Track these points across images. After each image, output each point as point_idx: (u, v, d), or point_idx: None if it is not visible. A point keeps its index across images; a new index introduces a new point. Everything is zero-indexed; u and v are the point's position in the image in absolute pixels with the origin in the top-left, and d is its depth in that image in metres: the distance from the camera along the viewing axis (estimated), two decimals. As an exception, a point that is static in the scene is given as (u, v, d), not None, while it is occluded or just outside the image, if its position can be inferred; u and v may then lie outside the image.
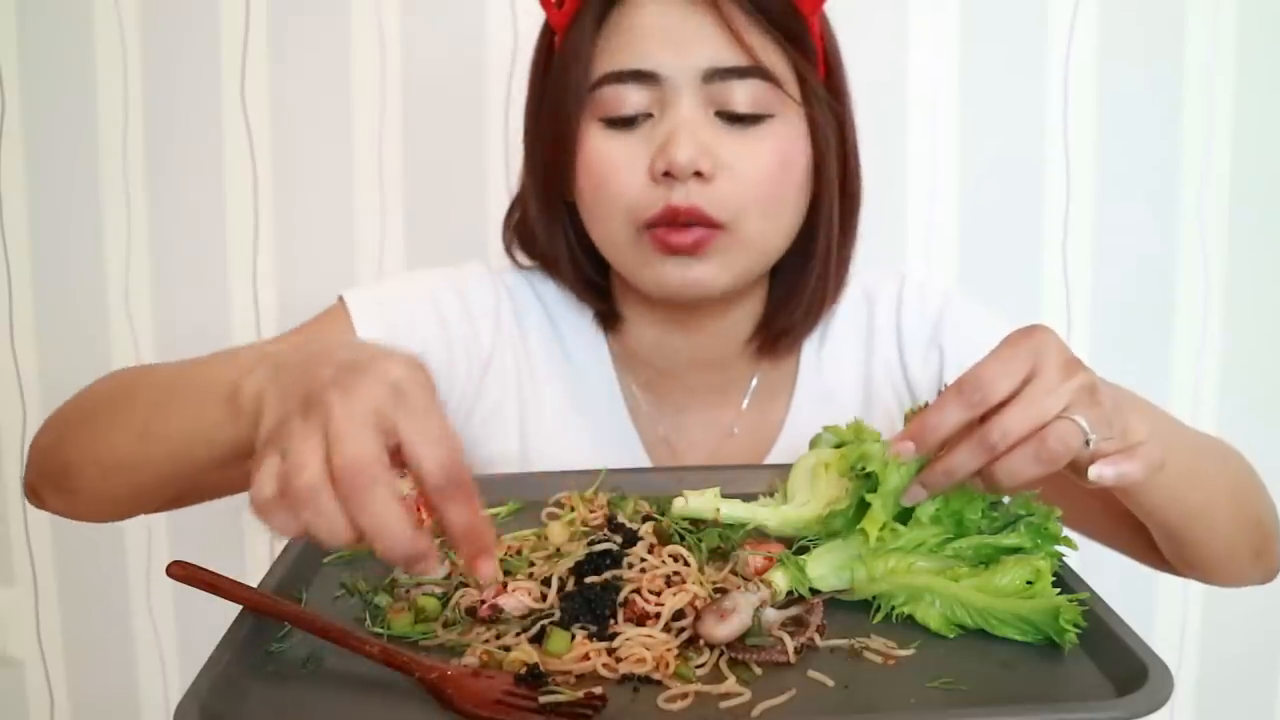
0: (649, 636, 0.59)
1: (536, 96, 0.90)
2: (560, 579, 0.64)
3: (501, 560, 0.68)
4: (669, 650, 0.58)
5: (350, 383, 0.53)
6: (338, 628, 0.60)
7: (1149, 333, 1.36)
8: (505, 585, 0.64)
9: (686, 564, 0.66)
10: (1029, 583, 0.61)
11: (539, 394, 0.94)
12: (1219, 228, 1.34)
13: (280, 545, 0.73)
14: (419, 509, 0.77)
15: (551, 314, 0.96)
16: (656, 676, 0.56)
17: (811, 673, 0.57)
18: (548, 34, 0.89)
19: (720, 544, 0.70)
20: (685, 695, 0.55)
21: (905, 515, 0.65)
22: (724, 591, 0.63)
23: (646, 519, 0.73)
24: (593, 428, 0.94)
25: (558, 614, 0.61)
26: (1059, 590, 0.60)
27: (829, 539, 0.67)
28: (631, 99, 0.83)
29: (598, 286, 0.93)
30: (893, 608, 0.63)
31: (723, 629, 0.58)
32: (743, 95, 0.82)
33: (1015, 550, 0.63)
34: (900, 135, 1.33)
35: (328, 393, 0.52)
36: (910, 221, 1.35)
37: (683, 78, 0.82)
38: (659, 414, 0.96)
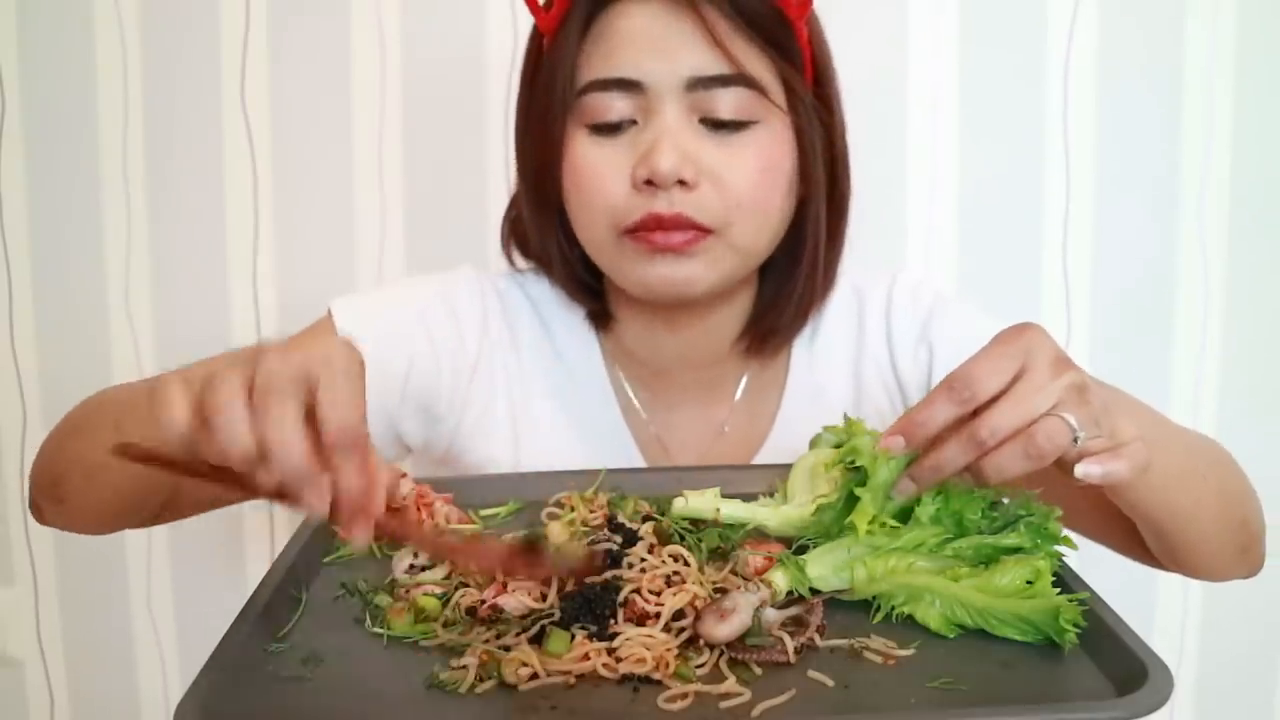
0: (649, 636, 0.59)
1: (526, 101, 0.91)
2: (560, 579, 0.64)
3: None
4: (669, 650, 0.58)
5: (282, 351, 0.55)
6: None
7: (1149, 333, 1.36)
8: (505, 585, 0.64)
9: (686, 564, 0.66)
10: (1029, 583, 0.61)
11: (530, 395, 0.95)
12: (1219, 228, 1.34)
13: (278, 547, 0.73)
14: (419, 509, 0.77)
15: (543, 315, 0.97)
16: (656, 676, 0.56)
17: (811, 673, 0.57)
18: (537, 37, 0.89)
19: (720, 544, 0.70)
20: (685, 695, 0.55)
21: (905, 514, 0.65)
22: (724, 591, 0.63)
23: (646, 519, 0.73)
24: (585, 426, 0.94)
25: (558, 614, 0.61)
26: (1059, 590, 0.60)
27: (828, 539, 0.67)
28: (616, 106, 0.83)
29: (590, 286, 0.94)
30: (893, 608, 0.63)
31: (723, 629, 0.58)
32: (726, 103, 0.82)
33: (1015, 550, 0.63)
34: (900, 135, 1.33)
35: (260, 354, 0.55)
36: (910, 221, 1.35)
37: (666, 86, 0.82)
38: (651, 412, 0.96)
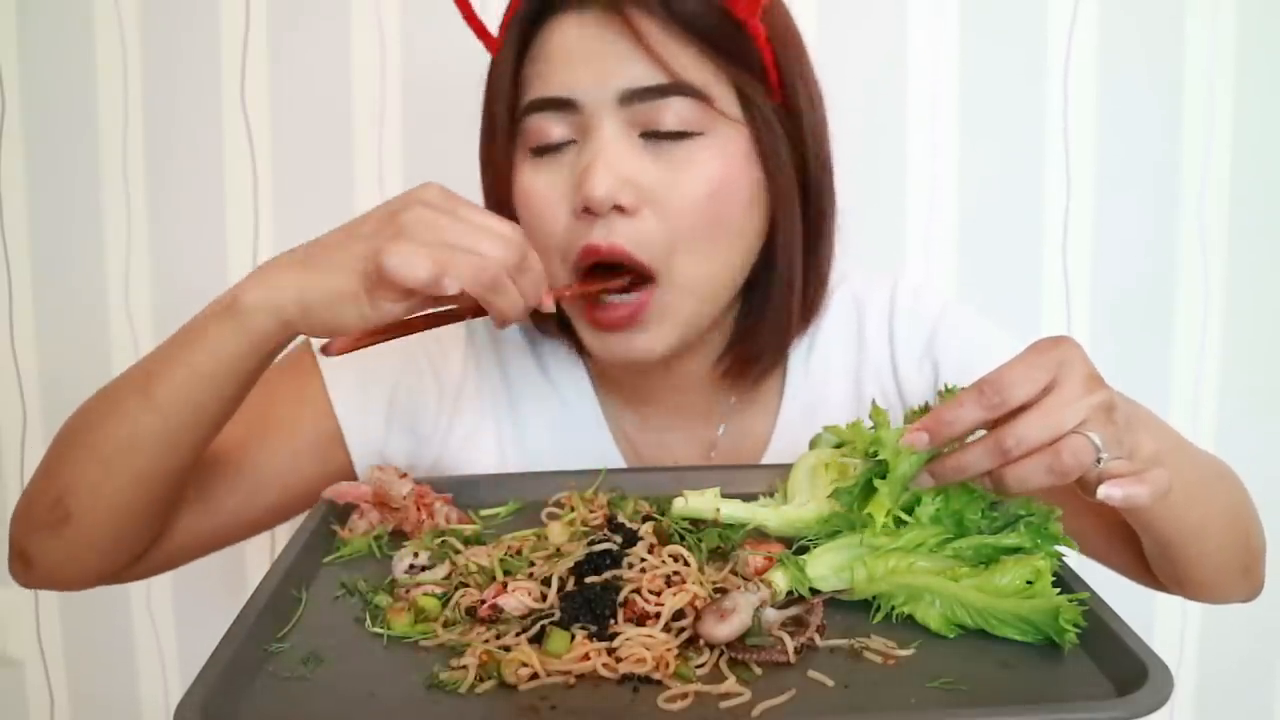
0: (649, 636, 0.59)
1: (481, 127, 0.87)
2: (560, 579, 0.64)
3: (501, 560, 0.68)
4: (669, 650, 0.58)
5: (428, 192, 0.69)
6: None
7: (1149, 333, 1.36)
8: (505, 585, 0.64)
9: (686, 564, 0.66)
10: (1029, 583, 0.61)
11: (518, 416, 0.93)
12: (1219, 228, 1.34)
13: (279, 547, 0.73)
14: (419, 509, 0.77)
15: (531, 337, 0.94)
16: (656, 676, 0.56)
17: (811, 673, 0.57)
18: (493, 63, 0.86)
19: (720, 544, 0.70)
20: (685, 695, 0.54)
21: (908, 511, 0.65)
22: (724, 591, 0.62)
23: (646, 519, 0.73)
24: (575, 449, 0.92)
25: (558, 614, 0.61)
26: (1059, 590, 0.60)
27: (829, 538, 0.67)
28: (553, 128, 0.80)
29: (566, 321, 0.87)
30: (893, 608, 0.63)
31: (723, 629, 0.58)
32: (667, 115, 0.77)
33: (1015, 550, 0.63)
34: (900, 135, 1.33)
35: (411, 204, 0.69)
36: (909, 223, 1.35)
37: (600, 102, 0.78)
38: (642, 434, 0.94)
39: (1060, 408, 0.60)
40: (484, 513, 0.81)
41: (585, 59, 0.78)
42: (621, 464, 0.93)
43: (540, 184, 0.81)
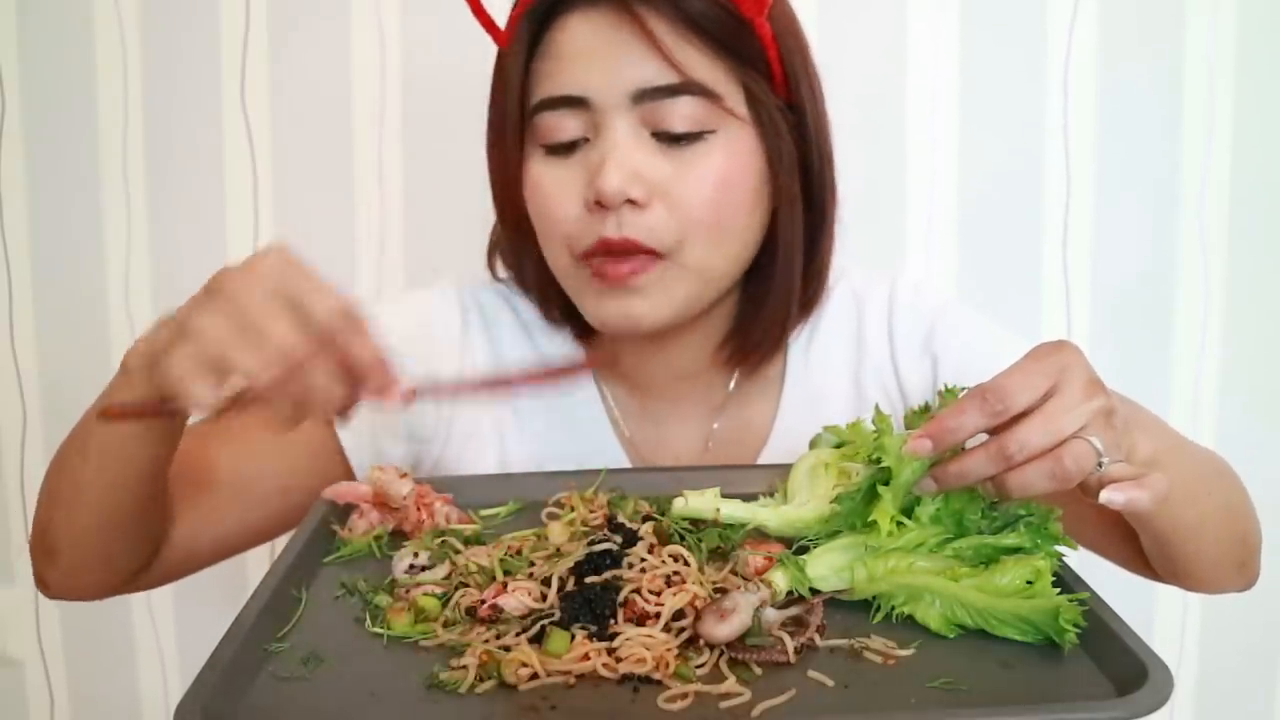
0: (649, 636, 0.59)
1: (490, 121, 0.88)
2: (560, 579, 0.64)
3: (501, 560, 0.68)
4: (669, 650, 0.58)
5: (236, 278, 0.59)
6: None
7: (1149, 333, 1.36)
8: (505, 585, 0.64)
9: (686, 564, 0.66)
10: (1029, 583, 0.61)
11: (518, 408, 0.93)
12: (1219, 228, 1.34)
13: (279, 547, 0.73)
14: (419, 509, 0.77)
15: (528, 327, 0.95)
16: (656, 676, 0.56)
17: (811, 673, 0.57)
18: (500, 56, 0.87)
19: (720, 544, 0.70)
20: (685, 695, 0.55)
21: (907, 513, 0.65)
22: (724, 591, 0.62)
23: (646, 519, 0.73)
24: (574, 440, 0.93)
25: (558, 614, 0.61)
26: (1059, 590, 0.60)
27: (829, 538, 0.67)
28: (566, 125, 0.81)
29: (569, 307, 0.90)
30: (893, 608, 0.63)
31: (723, 629, 0.58)
32: (677, 114, 0.79)
33: (1015, 550, 0.63)
34: (900, 135, 1.33)
35: (212, 295, 0.59)
36: (910, 221, 1.35)
37: (612, 101, 0.79)
38: (641, 424, 0.95)
39: (1062, 413, 0.60)
40: (484, 513, 0.81)
41: (597, 58, 0.79)
42: (621, 453, 0.93)
43: (552, 179, 0.82)
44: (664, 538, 0.70)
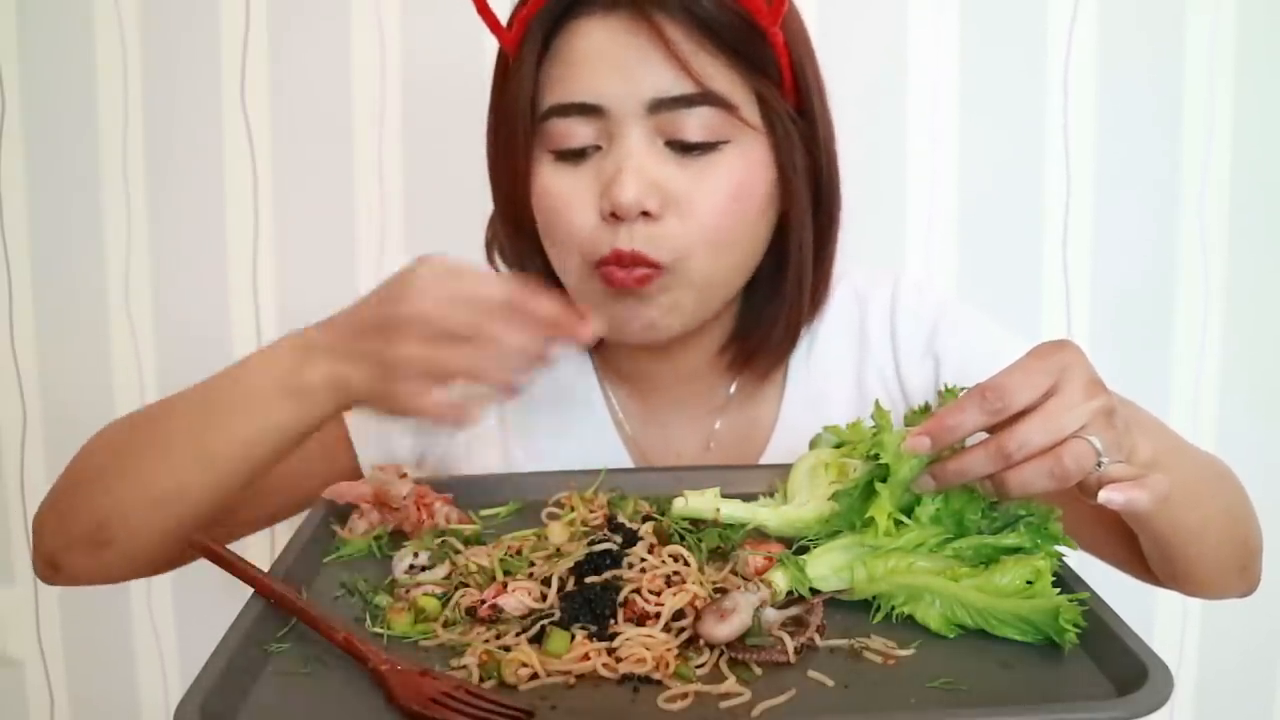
0: (649, 636, 0.59)
1: (493, 124, 0.87)
2: (560, 579, 0.64)
3: (501, 560, 0.68)
4: (669, 650, 0.58)
5: (406, 303, 0.69)
6: (308, 613, 0.62)
7: (1149, 333, 1.36)
8: (505, 585, 0.64)
9: (686, 564, 0.66)
10: (1029, 583, 0.61)
11: (522, 408, 0.93)
12: (1219, 228, 1.34)
13: (279, 547, 0.73)
14: (419, 509, 0.77)
15: None
16: (656, 676, 0.56)
17: (811, 673, 0.57)
18: (503, 57, 0.85)
19: (720, 544, 0.70)
20: (685, 695, 0.55)
21: (907, 512, 0.65)
22: (724, 591, 0.62)
23: (646, 519, 0.73)
24: (578, 441, 0.93)
25: (558, 614, 0.61)
26: (1059, 590, 0.60)
27: (829, 539, 0.67)
28: (578, 132, 0.80)
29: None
30: (893, 608, 0.63)
31: (723, 629, 0.58)
32: (693, 124, 0.78)
33: (1015, 550, 0.63)
34: (900, 135, 1.33)
35: (394, 326, 0.69)
36: (910, 221, 1.35)
37: (627, 109, 0.78)
38: (644, 424, 0.95)
39: (1062, 412, 0.60)
40: (484, 513, 0.81)
41: (613, 65, 0.78)
42: (624, 453, 0.93)
43: (562, 186, 0.81)
44: (664, 538, 0.70)
